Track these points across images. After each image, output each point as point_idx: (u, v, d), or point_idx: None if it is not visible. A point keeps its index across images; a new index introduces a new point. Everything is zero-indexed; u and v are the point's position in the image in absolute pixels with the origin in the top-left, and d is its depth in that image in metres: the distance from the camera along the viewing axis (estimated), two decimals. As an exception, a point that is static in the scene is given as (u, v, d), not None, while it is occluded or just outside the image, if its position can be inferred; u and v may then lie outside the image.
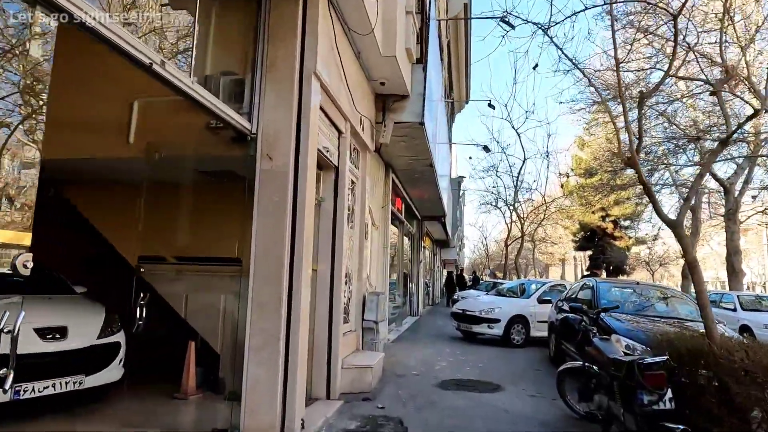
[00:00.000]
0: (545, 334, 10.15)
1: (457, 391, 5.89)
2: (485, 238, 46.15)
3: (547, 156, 22.98)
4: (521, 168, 22.72)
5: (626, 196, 28.48)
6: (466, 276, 35.39)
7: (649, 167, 17.61)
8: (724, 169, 17.99)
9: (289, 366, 3.87)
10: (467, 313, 10.65)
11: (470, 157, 39.45)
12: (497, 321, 10.10)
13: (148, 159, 5.00)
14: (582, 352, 4.41)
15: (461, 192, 24.87)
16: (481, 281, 28.40)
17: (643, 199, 28.24)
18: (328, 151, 5.03)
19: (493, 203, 28.06)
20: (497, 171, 25.59)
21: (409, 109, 6.90)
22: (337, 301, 5.22)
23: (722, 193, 17.29)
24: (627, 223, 35.84)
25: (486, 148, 16.14)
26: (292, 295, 3.94)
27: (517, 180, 22.58)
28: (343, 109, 5.23)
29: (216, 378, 5.03)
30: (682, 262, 25.60)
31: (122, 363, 4.65)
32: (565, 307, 8.29)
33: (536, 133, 64.62)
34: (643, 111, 5.78)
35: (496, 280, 22.11)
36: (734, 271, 15.78)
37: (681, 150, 16.88)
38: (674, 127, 16.18)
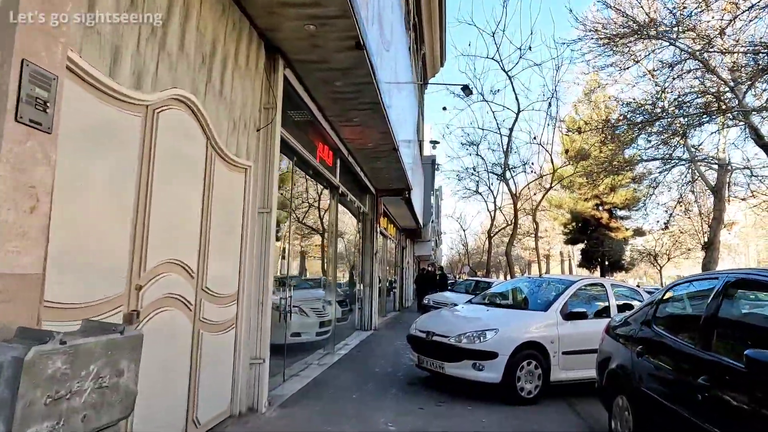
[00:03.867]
0: (580, 375, 5.54)
1: None
2: (464, 231, 41.52)
3: (553, 97, 17.40)
4: (514, 123, 17.68)
5: (625, 181, 24.21)
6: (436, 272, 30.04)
7: (682, 128, 13.51)
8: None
9: None
10: (435, 339, 5.83)
11: (444, 108, 33.85)
12: (492, 355, 5.33)
13: None
14: None
15: (436, 168, 19.93)
16: (449, 280, 23.31)
17: (640, 185, 24.00)
18: None
19: (473, 188, 23.36)
20: (477, 143, 20.59)
21: None
22: None
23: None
24: (623, 213, 31.80)
25: (466, 89, 11.44)
26: None
27: (509, 139, 17.61)
28: None
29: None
30: (699, 254, 21.41)
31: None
32: (655, 335, 3.64)
33: (533, 79, 58.87)
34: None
35: (479, 279, 17.24)
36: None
37: (724, 109, 12.50)
38: (710, 76, 12.12)
